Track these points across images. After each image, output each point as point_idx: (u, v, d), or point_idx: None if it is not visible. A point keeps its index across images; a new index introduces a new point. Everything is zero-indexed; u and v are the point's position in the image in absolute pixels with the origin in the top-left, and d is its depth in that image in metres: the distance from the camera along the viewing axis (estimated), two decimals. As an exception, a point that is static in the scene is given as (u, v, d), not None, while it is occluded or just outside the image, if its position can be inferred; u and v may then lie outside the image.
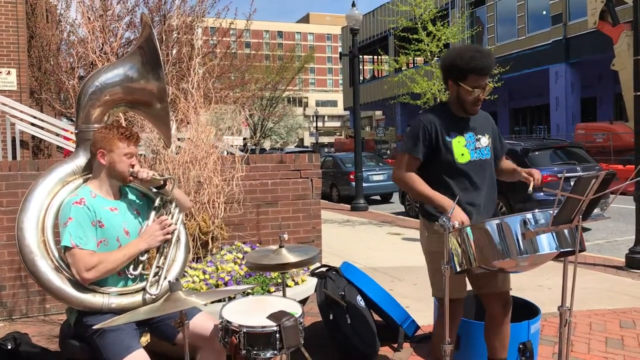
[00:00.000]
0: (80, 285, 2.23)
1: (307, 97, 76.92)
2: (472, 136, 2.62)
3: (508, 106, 26.89)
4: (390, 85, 15.96)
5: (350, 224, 9.91)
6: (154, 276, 2.37)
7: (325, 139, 67.51)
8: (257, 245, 4.45)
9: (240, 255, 3.83)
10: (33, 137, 8.39)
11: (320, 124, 65.62)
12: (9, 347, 3.02)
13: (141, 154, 4.01)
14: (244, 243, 4.21)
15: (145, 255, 2.38)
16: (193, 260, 3.74)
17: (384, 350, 3.52)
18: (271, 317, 2.04)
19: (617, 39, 16.97)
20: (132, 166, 2.37)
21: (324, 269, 3.62)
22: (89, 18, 5.73)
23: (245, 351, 1.97)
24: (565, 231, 2.18)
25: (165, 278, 2.37)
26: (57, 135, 7.76)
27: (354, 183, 12.65)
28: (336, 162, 15.66)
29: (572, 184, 2.12)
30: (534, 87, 24.25)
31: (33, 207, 2.31)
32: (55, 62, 9.21)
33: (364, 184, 12.80)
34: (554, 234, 2.15)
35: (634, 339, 3.76)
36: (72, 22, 9.67)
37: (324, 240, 5.43)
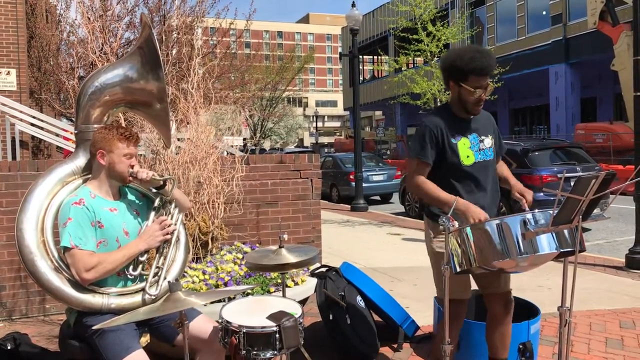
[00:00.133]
0: (79, 285, 2.23)
1: (307, 98, 76.94)
2: (476, 137, 2.63)
3: (508, 106, 26.90)
4: (390, 86, 15.98)
5: (350, 224, 9.91)
6: (154, 276, 2.37)
7: (325, 139, 67.51)
8: (257, 245, 4.45)
9: (240, 256, 3.82)
10: (33, 137, 8.39)
11: (320, 124, 65.61)
12: (9, 348, 3.02)
13: (141, 155, 4.01)
14: (243, 243, 4.21)
15: (145, 256, 2.38)
16: (193, 261, 3.74)
17: (384, 351, 3.51)
18: (271, 317, 2.04)
19: (616, 39, 16.98)
20: (132, 166, 2.37)
21: (323, 270, 3.62)
22: (89, 18, 5.73)
23: (245, 351, 1.97)
24: (565, 231, 2.18)
25: (164, 278, 2.37)
26: (57, 135, 7.76)
27: (353, 183, 12.66)
28: (336, 162, 15.66)
29: (572, 184, 2.12)
30: (534, 87, 24.25)
31: (33, 208, 2.31)
32: (55, 63, 9.21)
33: (364, 184, 12.81)
34: (553, 234, 2.15)
35: (634, 339, 3.76)
36: (72, 22, 9.69)
37: (324, 240, 5.43)
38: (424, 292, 4.79)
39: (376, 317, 3.67)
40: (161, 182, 2.44)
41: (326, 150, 46.99)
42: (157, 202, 2.49)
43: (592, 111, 23.49)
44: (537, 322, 3.20)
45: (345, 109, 40.06)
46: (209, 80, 4.60)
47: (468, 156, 2.58)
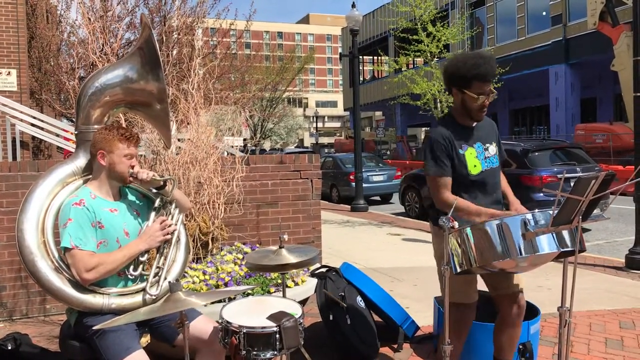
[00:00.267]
0: (80, 285, 2.23)
1: (307, 98, 76.96)
2: (481, 146, 2.64)
3: (508, 107, 26.91)
4: (390, 86, 15.98)
5: (350, 225, 9.91)
6: (154, 277, 2.37)
7: (325, 140, 67.51)
8: (257, 245, 4.46)
9: (240, 256, 3.83)
10: (33, 137, 8.40)
11: (320, 125, 65.62)
12: (9, 348, 3.03)
13: (141, 155, 4.01)
14: (244, 244, 4.21)
15: (145, 256, 2.39)
16: (193, 261, 3.74)
17: (384, 351, 3.52)
18: (271, 317, 2.04)
19: (616, 39, 16.99)
20: (132, 167, 2.37)
21: (323, 270, 3.63)
22: (89, 19, 5.74)
23: (245, 352, 1.98)
24: (566, 231, 2.18)
25: (165, 279, 2.37)
26: (57, 135, 7.76)
27: (354, 184, 12.65)
28: (336, 162, 15.66)
29: (572, 184, 2.12)
30: (534, 88, 24.26)
31: (33, 208, 2.32)
32: (56, 63, 9.21)
33: (364, 185, 12.81)
34: (553, 234, 2.15)
35: (634, 339, 3.76)
36: (72, 22, 9.70)
37: (324, 240, 5.43)
38: (424, 293, 4.79)
39: (376, 318, 3.67)
40: (161, 183, 2.45)
41: (326, 150, 47.02)
42: (157, 203, 2.49)
43: (592, 112, 23.50)
44: (537, 323, 3.20)
45: (345, 110, 40.06)
46: (210, 80, 4.60)
47: (475, 165, 2.59)
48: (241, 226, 4.69)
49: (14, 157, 7.63)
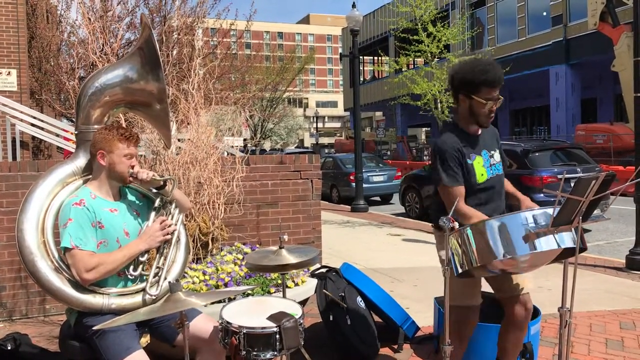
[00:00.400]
0: (80, 286, 2.23)
1: (307, 98, 76.97)
2: (487, 153, 2.63)
3: (508, 107, 26.91)
4: (390, 86, 15.97)
5: (350, 225, 9.91)
6: (154, 277, 2.37)
7: (325, 140, 67.51)
8: (257, 246, 4.46)
9: (240, 256, 3.83)
10: (33, 137, 8.40)
11: (320, 125, 65.64)
12: (9, 348, 3.03)
13: (141, 155, 4.01)
14: (244, 244, 4.21)
15: (145, 256, 2.38)
16: (193, 261, 3.74)
17: (384, 352, 3.51)
18: (271, 318, 2.04)
19: (617, 40, 16.98)
20: (132, 167, 2.37)
21: (324, 270, 3.62)
22: (90, 19, 5.74)
23: (245, 352, 1.97)
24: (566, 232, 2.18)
25: (165, 279, 2.37)
26: (57, 135, 7.76)
27: (354, 184, 12.65)
28: (336, 163, 15.66)
29: (572, 185, 2.12)
30: (534, 88, 24.26)
31: (33, 208, 2.31)
32: (56, 63, 9.21)
33: (364, 185, 12.80)
34: (554, 234, 2.15)
35: (634, 340, 3.76)
36: (72, 22, 9.71)
37: (324, 241, 5.43)
38: (424, 293, 4.79)
39: (376, 318, 3.67)
40: (161, 183, 2.45)
41: (326, 150, 47.02)
42: (157, 203, 2.49)
43: (593, 112, 23.50)
44: (538, 323, 3.20)
45: (345, 110, 40.06)
46: (210, 80, 4.60)
47: (482, 174, 2.58)
48: (241, 226, 4.69)
49: (14, 157, 7.63)
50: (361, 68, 31.71)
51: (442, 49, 10.74)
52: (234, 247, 4.04)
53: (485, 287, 2.72)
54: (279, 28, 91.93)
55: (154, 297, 2.31)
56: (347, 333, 3.27)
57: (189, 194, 3.81)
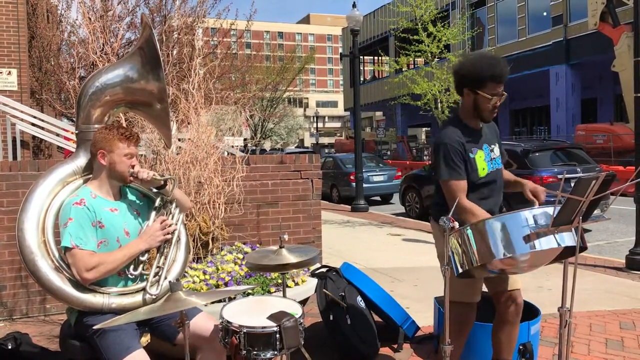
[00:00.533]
0: (80, 285, 2.23)
1: (307, 98, 76.94)
2: (487, 147, 2.64)
3: (508, 107, 26.91)
4: (390, 86, 15.96)
5: (350, 225, 9.91)
6: (155, 276, 2.38)
7: (325, 140, 67.50)
8: (258, 245, 4.46)
9: (241, 256, 3.83)
10: (33, 137, 8.40)
11: (320, 125, 65.64)
12: (10, 347, 3.03)
13: (142, 155, 4.01)
14: (244, 243, 4.21)
15: (146, 256, 2.39)
16: (193, 261, 3.75)
17: (384, 351, 3.51)
18: (271, 317, 2.04)
19: (617, 40, 16.97)
20: (133, 167, 2.38)
21: (324, 270, 3.63)
22: (90, 18, 5.74)
23: (245, 351, 1.98)
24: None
25: (165, 278, 2.38)
26: (58, 135, 7.76)
27: (354, 184, 12.65)
28: (336, 162, 15.66)
29: (572, 185, 2.12)
30: (535, 88, 24.25)
31: (33, 208, 2.32)
32: (56, 63, 9.22)
33: (364, 185, 12.80)
34: (554, 234, 2.15)
35: (634, 340, 3.76)
36: (72, 22, 9.71)
37: (324, 241, 5.43)
38: (425, 293, 4.79)
39: (376, 318, 3.67)
40: (162, 182, 2.45)
41: (326, 150, 47.01)
42: (157, 202, 2.49)
43: (593, 112, 23.49)
44: (537, 323, 3.20)
45: (345, 110, 40.05)
46: (210, 80, 4.60)
47: (483, 168, 2.58)
48: (241, 226, 4.70)
49: (15, 157, 7.64)
50: (361, 68, 31.70)
51: (443, 49, 10.73)
52: (234, 247, 4.04)
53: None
54: (279, 28, 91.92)
55: (154, 297, 2.31)
56: (347, 332, 3.27)
57: (190, 193, 3.81)
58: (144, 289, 2.33)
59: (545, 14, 22.86)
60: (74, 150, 2.73)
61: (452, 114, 2.78)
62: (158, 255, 2.42)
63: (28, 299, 4.31)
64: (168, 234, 2.40)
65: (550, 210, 2.12)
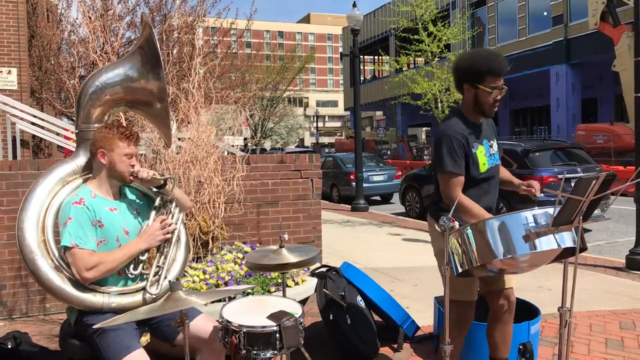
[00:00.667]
0: (80, 284, 2.23)
1: (307, 98, 76.92)
2: (487, 143, 2.63)
3: (509, 107, 26.91)
4: (390, 86, 15.96)
5: (350, 225, 9.91)
6: (154, 276, 2.37)
7: (325, 139, 67.52)
8: (258, 245, 4.45)
9: (241, 255, 3.83)
10: (33, 136, 8.40)
11: (320, 124, 65.63)
12: (9, 347, 3.03)
13: (142, 154, 4.01)
14: (244, 243, 4.21)
15: (146, 255, 2.38)
16: (193, 260, 3.74)
17: (384, 351, 3.51)
18: (271, 317, 2.04)
19: (618, 40, 16.97)
20: (132, 166, 2.37)
21: (324, 269, 3.63)
22: (90, 18, 5.73)
23: (245, 351, 1.97)
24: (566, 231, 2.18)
25: (165, 277, 2.37)
26: (58, 134, 7.77)
27: (354, 183, 12.65)
28: (336, 162, 15.66)
29: (572, 185, 2.12)
30: (535, 88, 24.26)
31: (33, 207, 2.31)
32: (56, 62, 9.22)
33: (365, 185, 12.80)
34: (554, 234, 2.15)
35: (634, 340, 3.76)
36: (72, 21, 9.70)
37: (324, 240, 5.43)
38: (425, 293, 4.79)
39: (376, 317, 3.67)
40: (162, 182, 2.45)
41: (327, 150, 47.04)
42: (157, 202, 2.49)
43: (593, 112, 23.49)
44: (537, 323, 3.20)
45: (345, 109, 40.05)
46: (210, 79, 4.60)
47: (484, 163, 2.58)
48: (241, 225, 4.69)
49: (14, 156, 7.64)
50: (362, 67, 31.65)
51: (443, 48, 10.73)
52: (234, 246, 4.04)
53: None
54: (279, 27, 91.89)
55: (154, 296, 2.31)
56: (347, 332, 3.27)
57: (189, 193, 3.81)
58: (143, 289, 2.33)
59: (545, 13, 22.86)
60: (73, 149, 2.73)
61: (454, 108, 2.77)
62: (158, 254, 2.41)
63: (28, 298, 4.31)
64: (168, 233, 2.40)
65: (550, 210, 2.12)
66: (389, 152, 34.40)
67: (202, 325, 2.32)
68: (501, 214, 2.48)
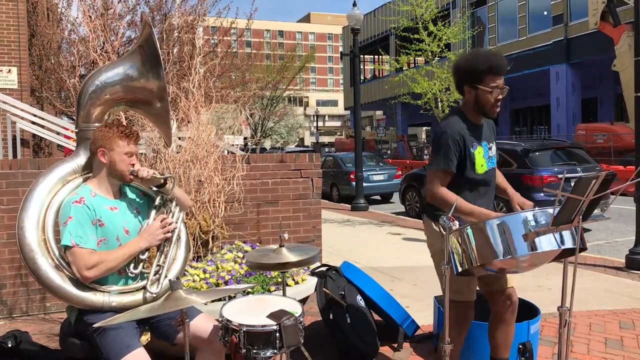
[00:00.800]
0: (80, 283, 2.23)
1: (307, 97, 76.90)
2: (486, 145, 2.63)
3: (509, 107, 26.90)
4: (391, 85, 15.98)
5: (350, 224, 9.91)
6: (155, 275, 2.38)
7: (325, 139, 67.48)
8: (258, 244, 4.46)
9: (241, 255, 3.83)
10: (34, 135, 8.40)
11: (320, 124, 65.64)
12: (10, 345, 3.03)
13: (142, 153, 4.01)
14: (244, 242, 4.21)
15: (146, 254, 2.39)
16: (193, 259, 3.75)
17: (384, 350, 3.52)
18: (271, 316, 2.04)
19: (618, 39, 16.97)
20: (132, 165, 2.37)
21: (324, 269, 3.63)
22: (90, 17, 5.74)
23: (245, 350, 1.98)
24: (567, 231, 2.18)
25: (165, 277, 2.38)
26: (58, 133, 7.77)
27: (354, 183, 12.66)
28: (336, 161, 15.66)
29: (572, 184, 2.12)
30: (535, 88, 24.25)
31: (34, 206, 2.32)
32: (56, 61, 9.22)
33: (364, 184, 12.80)
34: (554, 233, 2.15)
35: (634, 339, 3.76)
36: (73, 20, 9.70)
37: (324, 239, 5.43)
38: (424, 292, 4.79)
39: (376, 317, 3.67)
40: (162, 181, 2.45)
41: (327, 149, 47.00)
42: (157, 201, 2.49)
43: (593, 112, 23.49)
44: (537, 323, 3.20)
45: (345, 109, 40.04)
46: (210, 79, 4.60)
47: (482, 165, 2.58)
48: (241, 225, 4.70)
49: (15, 155, 7.64)
50: (362, 67, 31.63)
51: (443, 48, 10.74)
52: (234, 246, 4.04)
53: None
54: (279, 26, 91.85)
55: (154, 295, 2.31)
56: (347, 331, 3.28)
57: (190, 192, 3.82)
58: (144, 288, 2.33)
59: (545, 13, 22.85)
60: (74, 148, 2.73)
61: (455, 107, 2.76)
62: (158, 253, 2.42)
63: (28, 297, 4.31)
64: (168, 232, 2.40)
65: (550, 210, 2.12)
66: (389, 152, 34.37)
67: (202, 325, 2.32)
68: (501, 214, 2.48)
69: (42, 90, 9.08)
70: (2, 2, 8.20)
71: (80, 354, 2.30)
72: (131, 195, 2.51)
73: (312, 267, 3.68)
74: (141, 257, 2.36)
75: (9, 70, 8.28)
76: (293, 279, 3.68)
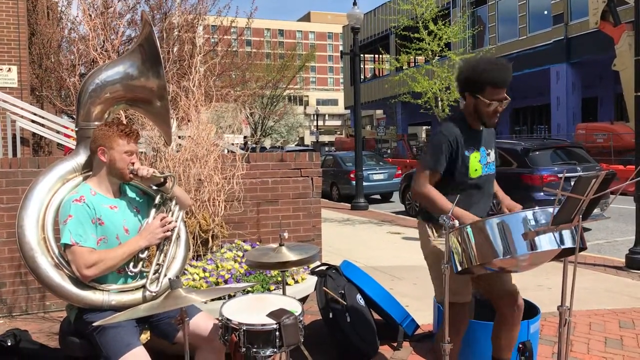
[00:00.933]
0: (80, 282, 2.23)
1: (307, 96, 76.93)
2: (484, 151, 2.63)
3: (509, 106, 26.85)
4: (391, 84, 15.96)
5: (350, 223, 9.92)
6: (154, 273, 2.38)
7: (325, 138, 67.50)
8: (257, 243, 4.46)
9: (241, 254, 3.83)
10: (34, 134, 8.40)
11: (320, 123, 65.64)
12: (9, 344, 3.03)
13: (142, 152, 4.01)
14: (244, 241, 4.21)
15: (146, 253, 2.39)
16: (193, 258, 3.74)
17: (384, 349, 3.52)
18: (271, 315, 2.04)
19: (618, 39, 16.96)
20: (132, 164, 2.37)
21: (324, 268, 3.63)
22: (90, 15, 5.73)
23: (245, 349, 1.98)
24: (566, 230, 2.18)
25: (165, 275, 2.38)
26: (58, 132, 7.76)
27: (354, 182, 12.66)
28: (336, 161, 15.66)
29: (572, 184, 2.12)
30: (535, 87, 24.23)
31: (33, 205, 2.32)
32: (56, 60, 9.21)
33: (365, 183, 12.81)
34: (554, 233, 2.15)
35: (633, 339, 3.77)
36: (73, 19, 9.69)
37: (324, 239, 5.43)
38: (424, 291, 4.79)
39: (376, 316, 3.67)
40: (162, 180, 2.45)
41: (327, 148, 47.01)
42: (157, 200, 2.49)
43: (593, 111, 23.48)
44: (537, 322, 3.20)
45: (346, 108, 40.02)
46: (210, 78, 4.60)
47: (476, 169, 2.57)
48: (241, 224, 4.70)
49: (14, 154, 7.63)
50: (362, 66, 31.63)
51: (443, 47, 10.73)
52: (234, 245, 4.04)
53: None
54: (279, 25, 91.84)
55: (154, 294, 2.31)
56: (346, 330, 3.28)
57: (189, 191, 3.81)
58: (143, 286, 2.33)
59: (546, 12, 22.84)
60: (74, 147, 2.73)
61: (457, 110, 2.77)
62: (158, 252, 2.42)
63: (27, 295, 4.31)
64: (168, 231, 2.40)
65: (550, 209, 2.12)
66: (389, 151, 34.37)
67: (202, 323, 2.32)
68: (502, 214, 2.48)
69: (42, 89, 9.08)
70: (2, 0, 8.19)
71: (79, 353, 2.31)
72: (131, 194, 2.51)
73: (312, 266, 3.68)
74: (141, 255, 2.36)
75: (9, 68, 8.27)
76: (293, 278, 3.68)
